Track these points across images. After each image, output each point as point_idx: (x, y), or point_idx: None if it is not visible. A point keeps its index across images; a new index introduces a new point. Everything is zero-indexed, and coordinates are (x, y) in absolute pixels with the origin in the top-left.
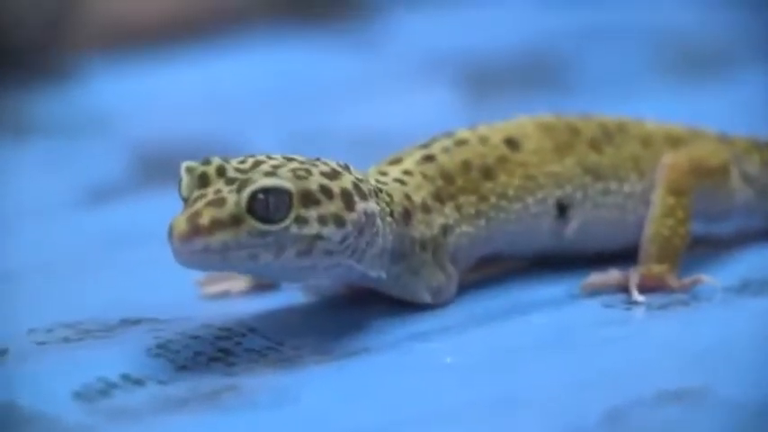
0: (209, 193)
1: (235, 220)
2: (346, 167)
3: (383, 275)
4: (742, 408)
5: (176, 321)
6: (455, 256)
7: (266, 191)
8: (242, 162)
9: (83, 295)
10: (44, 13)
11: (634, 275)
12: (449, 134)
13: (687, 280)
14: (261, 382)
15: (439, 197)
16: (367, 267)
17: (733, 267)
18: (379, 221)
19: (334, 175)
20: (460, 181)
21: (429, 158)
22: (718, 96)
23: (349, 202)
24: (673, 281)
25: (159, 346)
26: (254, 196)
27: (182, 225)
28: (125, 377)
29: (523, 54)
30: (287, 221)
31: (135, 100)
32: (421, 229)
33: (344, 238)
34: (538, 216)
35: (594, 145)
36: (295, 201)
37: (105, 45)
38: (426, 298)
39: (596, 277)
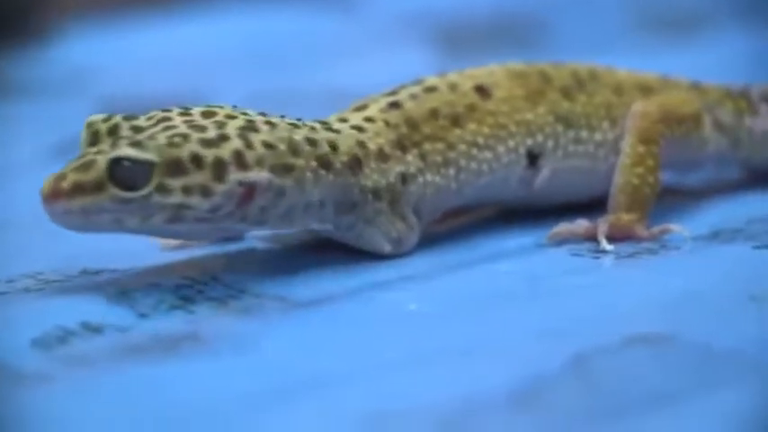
0: (91, 152)
1: (97, 186)
2: (267, 121)
3: (328, 227)
4: (708, 353)
5: (137, 270)
6: (418, 205)
7: (129, 159)
8: (149, 119)
9: (45, 248)
10: None
11: (602, 224)
12: (418, 81)
13: (656, 229)
14: (221, 331)
15: (401, 145)
16: (278, 225)
17: (704, 217)
18: (287, 181)
19: (214, 142)
20: (427, 128)
21: (395, 105)
22: (693, 56)
23: (220, 173)
24: (641, 230)
25: (119, 294)
26: (114, 163)
27: (46, 186)
28: (84, 325)
29: (498, 13)
30: (147, 190)
31: (110, 59)
32: (374, 177)
33: (216, 208)
34: (508, 165)
35: (566, 93)
36: (158, 170)
37: (83, 7)
38: (385, 247)
39: (564, 226)
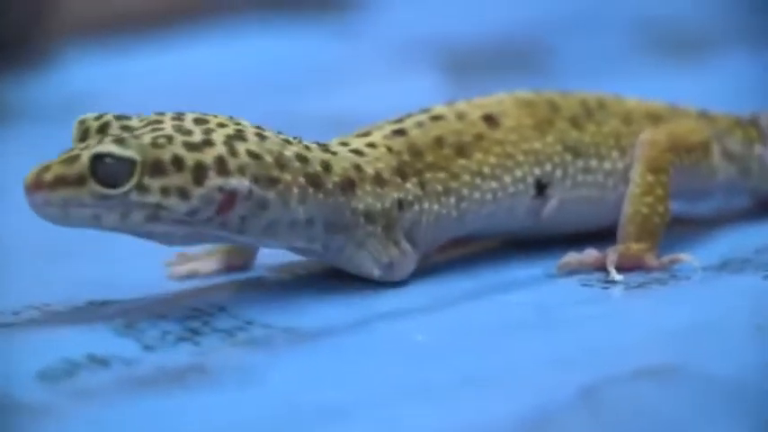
0: (78, 148)
1: (78, 180)
2: (257, 134)
3: (316, 247)
4: (718, 385)
5: (144, 302)
6: (413, 232)
7: (111, 156)
8: (141, 120)
9: (51, 278)
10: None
11: (612, 254)
12: (425, 110)
13: (666, 259)
14: (228, 363)
15: (401, 171)
16: (261, 238)
17: (713, 246)
18: (270, 194)
19: (198, 146)
20: (430, 157)
21: (399, 132)
22: (699, 79)
23: (199, 177)
24: (651, 260)
25: (126, 326)
26: (95, 159)
27: (29, 177)
28: (90, 357)
29: (505, 39)
30: (126, 188)
31: (111, 84)
32: (367, 200)
33: (194, 212)
34: (515, 195)
35: (575, 122)
36: (139, 169)
37: (90, 32)
38: (374, 272)
39: (573, 256)
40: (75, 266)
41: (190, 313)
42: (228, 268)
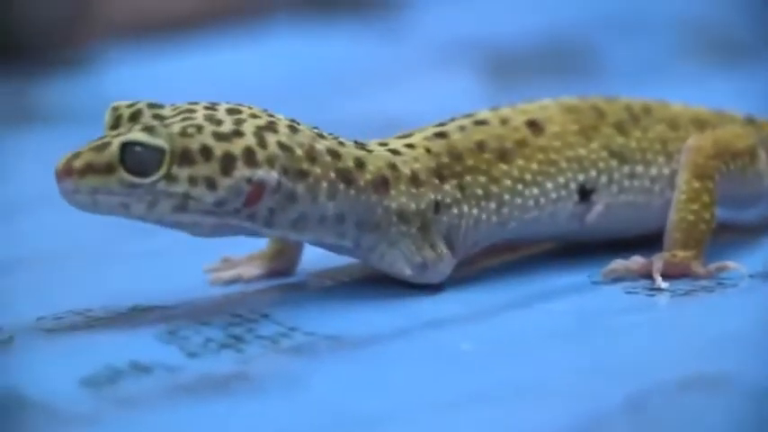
0: (110, 135)
1: (108, 168)
2: (290, 125)
3: (347, 244)
4: (765, 394)
5: (187, 308)
6: (451, 236)
7: (140, 144)
8: (174, 110)
9: (94, 283)
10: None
11: (658, 261)
12: (469, 114)
13: (712, 266)
14: (272, 370)
15: (439, 173)
16: (289, 231)
17: (760, 253)
18: (299, 187)
19: (227, 136)
20: (470, 160)
21: (441, 135)
22: (744, 83)
23: (227, 167)
24: (698, 267)
25: (169, 333)
26: (125, 148)
27: (59, 164)
28: (133, 364)
29: (547, 41)
30: (155, 177)
31: (149, 86)
32: (401, 200)
33: (222, 202)
34: (558, 201)
35: (620, 127)
36: (168, 158)
37: (125, 35)
38: (406, 272)
39: (619, 263)
40: (119, 272)
41: (233, 320)
42: (271, 274)
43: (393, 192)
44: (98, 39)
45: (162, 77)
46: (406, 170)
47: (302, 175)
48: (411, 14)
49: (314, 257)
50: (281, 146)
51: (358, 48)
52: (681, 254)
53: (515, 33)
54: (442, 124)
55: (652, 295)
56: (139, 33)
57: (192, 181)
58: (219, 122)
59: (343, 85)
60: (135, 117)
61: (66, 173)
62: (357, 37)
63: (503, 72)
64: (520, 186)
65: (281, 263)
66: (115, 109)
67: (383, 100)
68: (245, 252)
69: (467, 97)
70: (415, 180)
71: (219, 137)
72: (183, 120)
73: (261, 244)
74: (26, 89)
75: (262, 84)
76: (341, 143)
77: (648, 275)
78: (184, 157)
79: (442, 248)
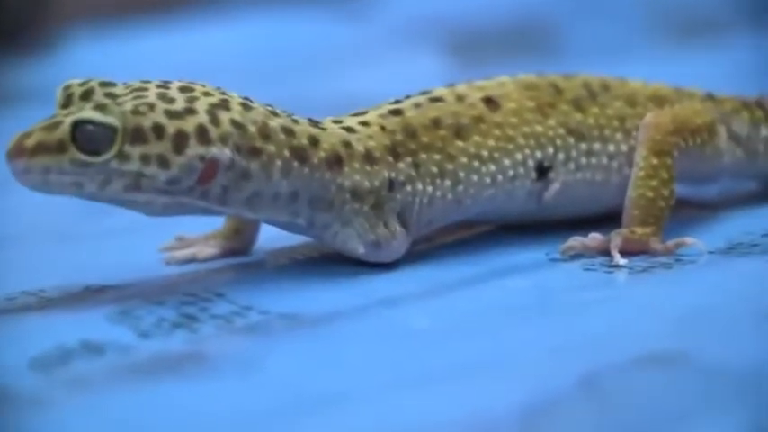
0: (61, 114)
1: (60, 147)
2: (244, 105)
3: (300, 222)
4: (721, 372)
5: (140, 288)
6: (405, 214)
7: (92, 123)
8: (126, 88)
9: (48, 264)
10: None
11: (616, 238)
12: (425, 91)
13: (671, 243)
14: (226, 350)
15: (394, 151)
16: (243, 209)
17: (719, 230)
18: (252, 165)
19: (180, 114)
20: (425, 138)
21: (396, 112)
22: (707, 61)
23: (180, 145)
24: (656, 244)
25: (121, 313)
26: (76, 126)
27: (11, 144)
28: (85, 344)
29: (513, 20)
30: (107, 156)
31: (116, 66)
32: (354, 178)
33: (174, 180)
34: (515, 179)
35: (578, 104)
36: (120, 136)
37: (97, 15)
38: (359, 250)
39: (577, 240)
40: (72, 252)
41: (186, 299)
42: (227, 253)
43: (347, 169)
44: (59, 19)
45: (123, 59)
46: (360, 148)
47: (256, 152)
48: None
49: (270, 237)
50: (235, 123)
51: (323, 27)
52: (639, 230)
53: (481, 12)
54: (397, 101)
55: (610, 272)
56: (113, 13)
57: (145, 159)
58: (172, 100)
59: (308, 64)
60: (87, 95)
61: (17, 153)
62: (322, 17)
63: (468, 51)
64: (476, 163)
65: (237, 242)
66: (67, 87)
67: (348, 79)
68: (200, 231)
69: (432, 76)
70: (369, 158)
71: (172, 115)
72: (136, 98)
73: (217, 223)
74: None
75: (223, 64)
76: (295, 121)
77: (607, 252)
78: (137, 136)
79: (396, 227)
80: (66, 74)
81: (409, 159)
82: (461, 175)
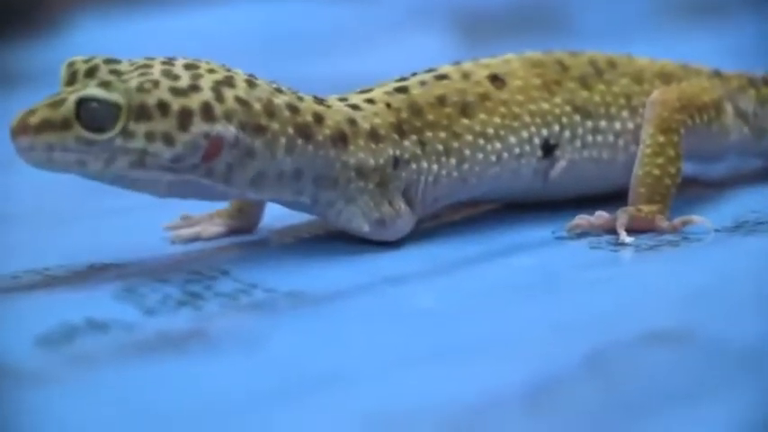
0: (65, 92)
1: (65, 124)
2: (249, 82)
3: (305, 200)
4: (727, 350)
5: (145, 266)
6: (411, 192)
7: (96, 100)
8: (131, 65)
9: (52, 243)
10: None
11: (622, 216)
12: (430, 69)
13: (677, 221)
14: (230, 328)
15: (399, 129)
16: (247, 188)
17: (726, 208)
18: (257, 142)
19: (184, 91)
20: (431, 115)
21: (401, 90)
22: (714, 40)
23: (184, 122)
24: (662, 222)
25: (126, 291)
26: (81, 103)
27: (14, 121)
28: (89, 322)
29: (518, 1)
30: (111, 133)
31: (119, 49)
32: (359, 156)
33: (179, 158)
34: (521, 157)
35: (584, 81)
36: (124, 114)
37: None
38: (363, 228)
39: (583, 218)
40: (76, 231)
41: (191, 277)
42: (232, 231)
43: (351, 147)
44: (64, 1)
45: (128, 39)
46: (365, 125)
47: (260, 129)
48: None
49: (275, 215)
50: (239, 101)
51: (328, 8)
52: (645, 208)
53: None
54: (402, 79)
55: (616, 250)
56: None
57: (150, 136)
58: (176, 77)
59: (314, 45)
60: (91, 73)
61: (21, 130)
62: None
63: (475, 32)
64: (482, 141)
65: (242, 220)
66: (71, 64)
67: (353, 60)
68: (205, 210)
69: (438, 56)
70: (374, 135)
71: (176, 92)
72: (140, 75)
73: (222, 203)
74: None
75: (228, 45)
76: (299, 98)
77: (613, 230)
78: (141, 113)
79: (401, 205)
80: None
81: (414, 137)
82: (467, 153)
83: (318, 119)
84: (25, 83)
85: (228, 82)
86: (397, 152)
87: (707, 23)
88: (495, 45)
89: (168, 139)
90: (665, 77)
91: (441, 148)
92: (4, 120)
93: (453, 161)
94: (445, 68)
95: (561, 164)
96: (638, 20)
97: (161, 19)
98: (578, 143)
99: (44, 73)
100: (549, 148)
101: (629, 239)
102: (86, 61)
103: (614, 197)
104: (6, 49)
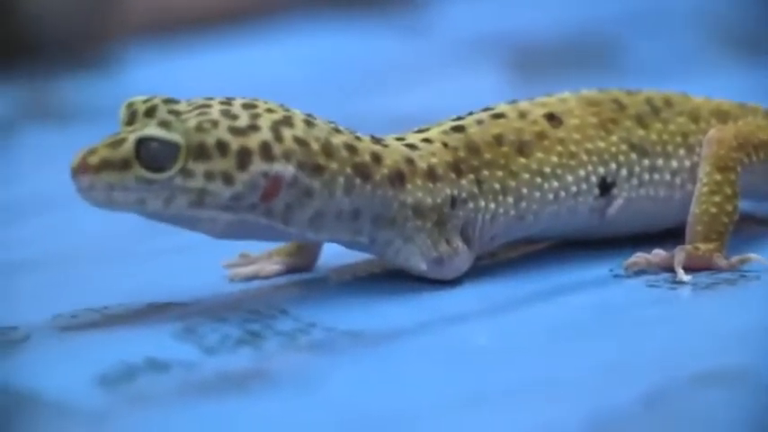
0: (125, 131)
1: (125, 164)
2: (307, 121)
3: (363, 240)
4: None
5: (204, 305)
6: (467, 231)
7: (156, 140)
8: (189, 104)
9: (111, 282)
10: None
11: (680, 254)
12: (487, 108)
13: (735, 259)
14: (289, 367)
15: (456, 168)
16: (306, 228)
17: None
18: (315, 182)
19: (243, 131)
20: (488, 154)
21: (458, 129)
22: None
23: (243, 162)
24: (720, 260)
25: (186, 330)
26: (140, 143)
27: (75, 160)
28: (150, 362)
29: (571, 36)
30: (171, 172)
31: (172, 84)
32: (417, 195)
33: (238, 197)
34: (578, 195)
35: (641, 120)
36: (183, 153)
37: (149, 33)
38: (421, 266)
39: (640, 256)
40: (136, 270)
41: (250, 316)
42: (290, 269)
43: (409, 186)
44: (118, 36)
45: (182, 76)
46: (422, 165)
47: (318, 169)
48: (434, 11)
49: (333, 253)
50: (298, 140)
51: (383, 43)
52: (703, 246)
53: (540, 28)
54: (459, 118)
55: (674, 288)
56: (158, 31)
57: (209, 176)
58: (235, 117)
59: (369, 81)
60: (150, 112)
61: (81, 169)
62: (382, 32)
63: (528, 68)
64: (539, 180)
65: (301, 258)
66: (130, 105)
67: (406, 97)
68: (263, 249)
69: (492, 94)
70: (431, 175)
71: (235, 131)
72: (199, 114)
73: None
74: (46, 87)
75: (281, 81)
76: (357, 138)
77: (670, 269)
78: (200, 152)
79: (459, 243)
80: (127, 90)
81: (472, 176)
82: (524, 191)
83: (376, 158)
84: (79, 118)
85: (287, 122)
86: (455, 191)
87: (759, 59)
88: (549, 80)
89: (227, 179)
90: (722, 116)
91: (498, 186)
92: (60, 156)
93: (510, 200)
94: (502, 107)
95: (618, 202)
96: (691, 56)
97: (215, 54)
98: (635, 181)
99: (97, 108)
100: (605, 187)
101: (686, 278)
102: (145, 101)
103: (671, 235)
104: (59, 85)
